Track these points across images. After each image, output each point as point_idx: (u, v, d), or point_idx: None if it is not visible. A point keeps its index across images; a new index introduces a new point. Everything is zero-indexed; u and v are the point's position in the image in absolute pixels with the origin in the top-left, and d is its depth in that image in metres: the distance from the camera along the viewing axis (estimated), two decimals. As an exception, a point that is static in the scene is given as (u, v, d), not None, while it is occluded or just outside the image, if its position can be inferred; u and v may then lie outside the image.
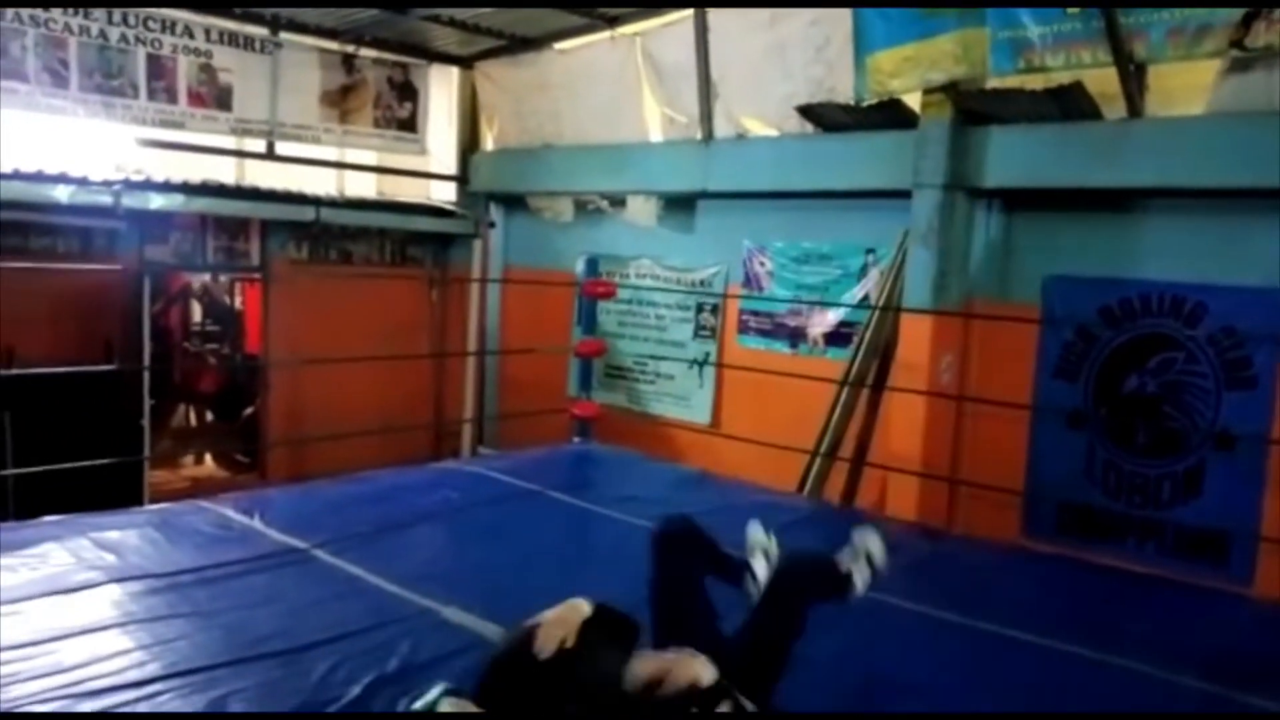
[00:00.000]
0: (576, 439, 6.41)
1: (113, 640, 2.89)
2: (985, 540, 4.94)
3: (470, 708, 2.42)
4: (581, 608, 2.49)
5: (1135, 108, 5.11)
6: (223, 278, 9.15)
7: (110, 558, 3.54)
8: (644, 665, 2.30)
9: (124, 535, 3.78)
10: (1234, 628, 3.68)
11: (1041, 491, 5.66)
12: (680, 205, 7.57)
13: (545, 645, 2.38)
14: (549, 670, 2.36)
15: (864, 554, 2.95)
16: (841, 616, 3.48)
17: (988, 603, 3.67)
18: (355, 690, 2.67)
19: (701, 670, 2.27)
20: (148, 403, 6.89)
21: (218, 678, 2.69)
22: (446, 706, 2.48)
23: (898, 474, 5.72)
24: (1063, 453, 5.62)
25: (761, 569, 2.95)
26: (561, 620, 2.44)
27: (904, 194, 5.80)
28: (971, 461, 5.89)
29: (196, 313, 9.71)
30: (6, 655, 2.71)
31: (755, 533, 3.05)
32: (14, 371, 5.95)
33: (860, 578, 2.92)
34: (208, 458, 8.86)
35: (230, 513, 4.18)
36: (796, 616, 2.67)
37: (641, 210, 7.69)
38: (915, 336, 5.76)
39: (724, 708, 2.14)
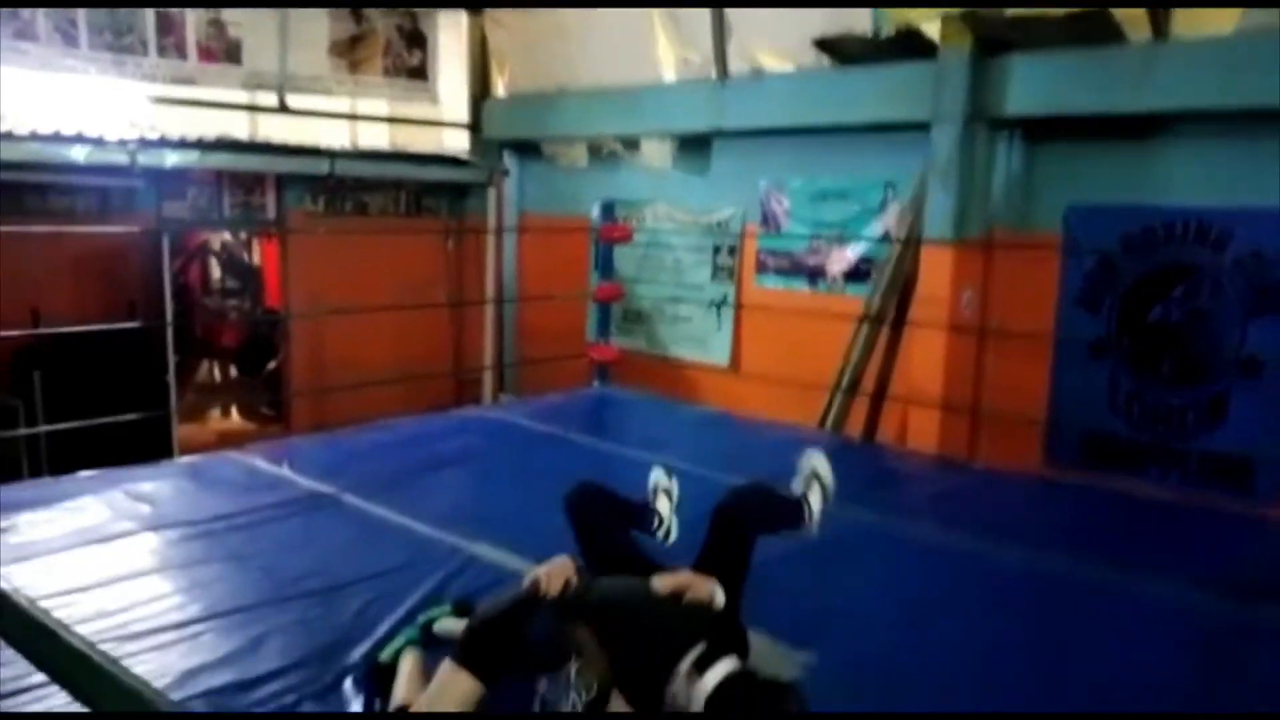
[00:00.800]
0: (596, 383, 6.45)
1: (154, 585, 2.97)
2: (1008, 471, 4.95)
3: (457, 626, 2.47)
4: (569, 559, 2.46)
5: (1161, 30, 4.97)
6: (241, 234, 9.17)
7: (145, 508, 3.62)
8: (664, 579, 2.41)
9: (157, 487, 3.86)
10: (1261, 547, 3.69)
11: (1064, 421, 5.64)
12: (695, 146, 7.48)
13: (552, 586, 2.32)
14: (564, 605, 2.30)
15: (813, 477, 2.98)
16: (867, 549, 3.53)
17: (1012, 532, 3.70)
18: (388, 625, 2.73)
19: (716, 590, 2.40)
20: (172, 359, 6.96)
21: (257, 616, 2.76)
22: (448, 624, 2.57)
23: (919, 408, 5.71)
24: (1086, 383, 5.58)
25: (666, 510, 2.98)
26: (560, 567, 2.39)
27: (923, 126, 5.70)
28: (994, 393, 5.87)
29: (215, 269, 9.75)
30: (53, 601, 2.78)
31: (656, 476, 3.05)
32: (41, 330, 6.02)
33: (815, 501, 2.94)
34: (234, 411, 8.98)
35: (259, 462, 4.25)
36: (742, 550, 2.65)
37: (656, 153, 7.61)
38: (936, 270, 5.70)
39: (728, 663, 2.06)
